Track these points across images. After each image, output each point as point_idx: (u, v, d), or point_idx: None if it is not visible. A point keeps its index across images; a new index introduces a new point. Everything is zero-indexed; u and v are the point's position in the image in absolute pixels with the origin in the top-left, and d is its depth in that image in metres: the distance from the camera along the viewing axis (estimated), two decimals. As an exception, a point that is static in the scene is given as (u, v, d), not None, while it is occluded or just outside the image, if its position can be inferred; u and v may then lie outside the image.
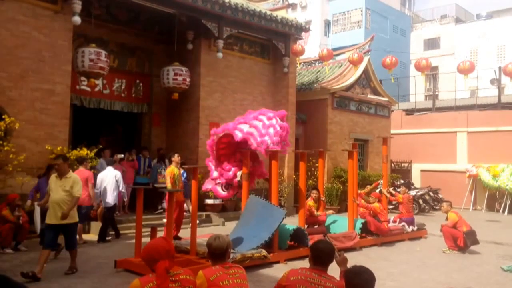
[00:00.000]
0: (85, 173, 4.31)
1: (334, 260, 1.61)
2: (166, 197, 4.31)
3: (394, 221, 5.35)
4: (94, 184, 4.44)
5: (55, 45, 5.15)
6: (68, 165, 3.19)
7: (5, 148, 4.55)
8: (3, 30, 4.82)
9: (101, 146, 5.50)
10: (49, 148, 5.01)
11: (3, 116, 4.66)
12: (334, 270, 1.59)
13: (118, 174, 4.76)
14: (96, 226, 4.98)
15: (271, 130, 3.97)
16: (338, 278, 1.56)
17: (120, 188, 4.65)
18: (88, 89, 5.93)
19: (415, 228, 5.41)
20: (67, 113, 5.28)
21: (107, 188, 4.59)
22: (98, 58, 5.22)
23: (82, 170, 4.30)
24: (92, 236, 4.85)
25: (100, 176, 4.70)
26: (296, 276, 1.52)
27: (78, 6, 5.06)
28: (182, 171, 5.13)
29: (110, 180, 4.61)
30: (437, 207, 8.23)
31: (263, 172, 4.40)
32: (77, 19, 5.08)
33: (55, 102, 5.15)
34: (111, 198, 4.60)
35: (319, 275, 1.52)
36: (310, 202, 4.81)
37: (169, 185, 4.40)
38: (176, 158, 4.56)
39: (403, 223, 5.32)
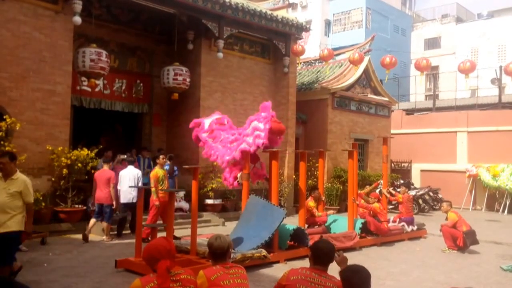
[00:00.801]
0: (108, 173, 4.58)
1: (334, 260, 1.62)
2: (151, 198, 4.42)
3: (394, 221, 5.36)
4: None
5: (56, 45, 5.16)
6: (15, 164, 2.66)
7: (6, 148, 4.54)
8: (4, 31, 4.82)
9: (101, 146, 5.50)
10: (50, 148, 5.02)
11: (4, 117, 4.67)
12: (334, 270, 1.60)
13: (139, 172, 4.94)
14: (96, 226, 4.97)
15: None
16: (338, 278, 1.57)
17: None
18: (89, 89, 5.94)
19: (415, 228, 5.42)
20: (67, 113, 5.29)
21: (130, 185, 4.75)
22: (99, 58, 5.24)
23: (105, 170, 4.59)
24: (92, 236, 4.83)
25: (121, 173, 4.87)
26: (296, 275, 1.53)
27: (78, 6, 5.07)
28: (174, 168, 5.30)
29: (131, 177, 4.76)
30: (437, 207, 8.24)
31: (264, 173, 4.45)
32: (77, 19, 5.09)
33: (55, 102, 5.16)
34: (134, 194, 4.72)
35: (319, 275, 1.52)
36: (310, 202, 4.82)
37: (153, 189, 4.46)
38: (161, 160, 4.66)
39: (402, 223, 5.34)
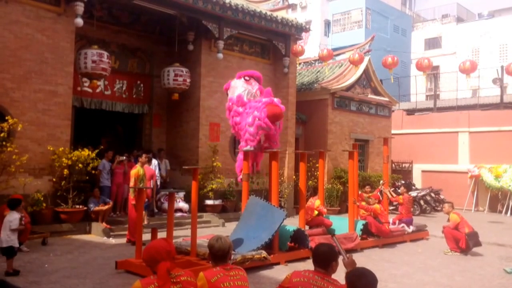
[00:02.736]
0: (151, 170, 5.21)
1: (342, 263, 1.60)
2: (129, 197, 4.57)
3: (394, 223, 5.30)
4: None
5: (58, 46, 5.19)
6: None
7: (8, 149, 4.57)
8: (7, 32, 4.85)
9: (102, 147, 5.52)
10: (51, 149, 5.04)
11: (6, 117, 4.68)
12: (340, 272, 1.58)
13: (156, 166, 5.64)
14: (96, 226, 5.00)
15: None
16: (340, 282, 1.54)
17: (151, 183, 5.28)
18: (90, 90, 5.96)
19: (414, 228, 5.39)
20: (69, 114, 5.31)
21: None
22: (100, 59, 5.26)
23: (147, 167, 5.04)
24: (93, 236, 4.86)
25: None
26: (299, 278, 1.52)
27: (80, 8, 5.10)
28: (156, 165, 5.58)
29: (146, 174, 5.12)
30: (439, 208, 8.20)
31: (257, 161, 4.29)
32: (79, 21, 5.12)
33: (57, 103, 5.19)
34: (152, 182, 5.28)
35: (322, 278, 1.52)
36: (317, 201, 4.80)
37: (132, 188, 4.48)
38: (143, 158, 4.77)
39: (402, 224, 5.30)
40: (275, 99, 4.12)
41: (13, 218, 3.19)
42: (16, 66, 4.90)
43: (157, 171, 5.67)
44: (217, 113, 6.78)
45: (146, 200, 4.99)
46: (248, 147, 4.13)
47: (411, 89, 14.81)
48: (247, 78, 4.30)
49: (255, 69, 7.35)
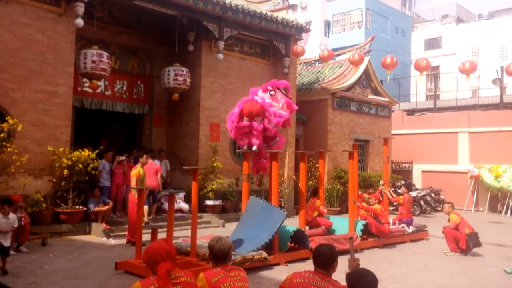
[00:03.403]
0: (155, 165, 5.34)
1: (348, 263, 1.60)
2: (131, 197, 4.58)
3: (394, 223, 5.29)
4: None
5: (58, 47, 5.19)
6: None
7: (8, 149, 4.57)
8: (7, 33, 4.85)
9: (102, 148, 5.52)
10: (51, 149, 5.04)
11: (6, 118, 4.68)
12: (340, 273, 1.59)
13: (158, 164, 5.69)
14: (96, 226, 5.00)
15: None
16: (341, 283, 1.54)
17: (158, 176, 5.30)
18: (90, 90, 5.97)
19: (414, 228, 5.39)
20: (69, 114, 5.32)
21: (150, 176, 5.12)
22: (100, 59, 5.27)
23: (152, 163, 5.20)
24: (92, 237, 4.86)
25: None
26: (299, 278, 1.53)
27: (81, 9, 5.11)
28: (160, 164, 5.67)
29: (151, 169, 5.16)
30: (439, 208, 8.21)
31: (264, 166, 4.17)
32: (80, 22, 5.13)
33: (57, 103, 5.19)
34: (154, 183, 5.21)
35: (322, 279, 1.52)
36: (317, 202, 4.79)
37: (134, 188, 4.49)
38: (144, 159, 4.81)
39: (402, 224, 5.30)
40: (258, 97, 3.93)
41: None
42: (16, 66, 4.91)
43: None
44: (217, 113, 6.78)
45: (156, 192, 5.25)
46: (245, 148, 4.12)
47: (411, 89, 14.82)
48: (272, 92, 4.08)
49: (255, 70, 7.42)
